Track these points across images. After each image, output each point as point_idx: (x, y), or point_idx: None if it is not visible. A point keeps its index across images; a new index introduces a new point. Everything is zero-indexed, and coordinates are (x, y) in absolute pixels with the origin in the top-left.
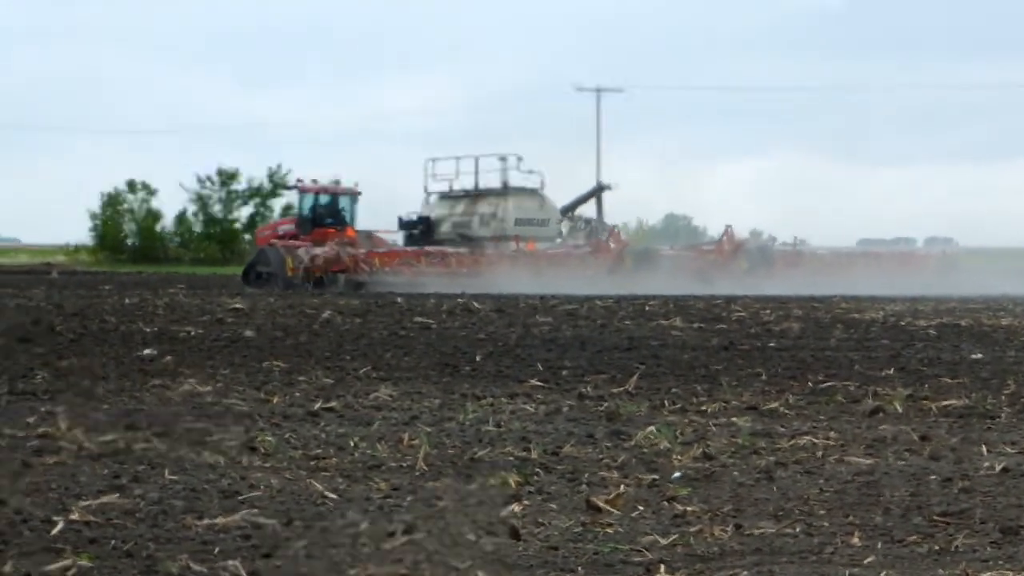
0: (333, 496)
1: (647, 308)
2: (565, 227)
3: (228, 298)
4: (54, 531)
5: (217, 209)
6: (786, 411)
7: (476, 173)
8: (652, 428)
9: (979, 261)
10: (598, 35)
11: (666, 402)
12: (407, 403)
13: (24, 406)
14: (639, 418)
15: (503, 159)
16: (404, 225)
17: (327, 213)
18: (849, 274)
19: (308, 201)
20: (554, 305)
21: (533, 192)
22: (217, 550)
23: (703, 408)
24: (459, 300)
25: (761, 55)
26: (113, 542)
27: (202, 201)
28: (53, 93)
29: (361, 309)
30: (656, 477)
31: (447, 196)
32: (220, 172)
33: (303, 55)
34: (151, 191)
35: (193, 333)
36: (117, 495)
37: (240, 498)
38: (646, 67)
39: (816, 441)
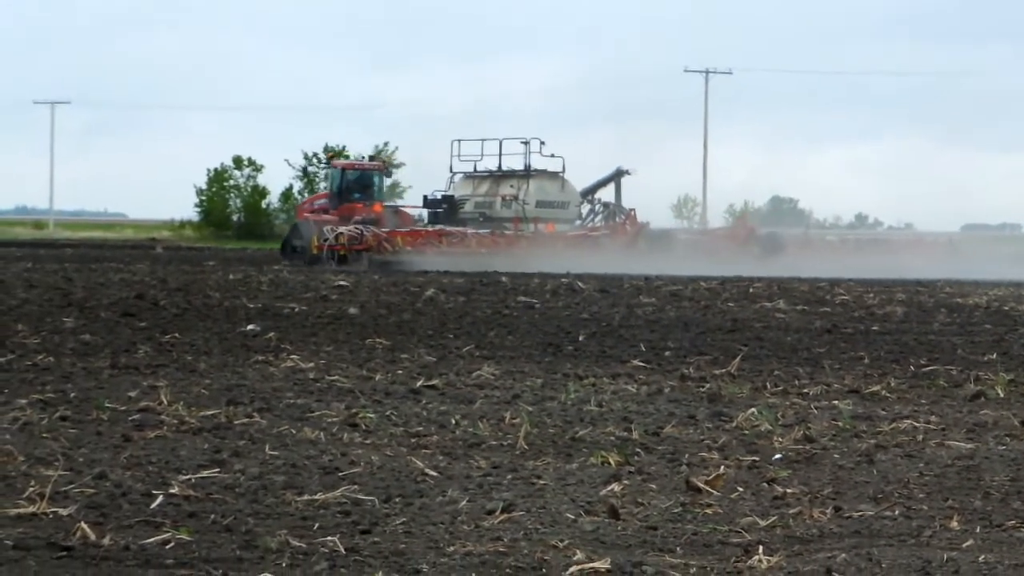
0: (433, 473)
1: (751, 290)
2: (585, 209)
3: (332, 275)
4: (154, 505)
5: (323, 186)
6: (888, 395)
7: (500, 155)
8: (753, 410)
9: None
10: (708, 17)
11: (768, 384)
12: (509, 382)
13: (127, 380)
14: (741, 400)
15: (526, 142)
16: (428, 204)
17: (356, 188)
18: (854, 259)
19: (338, 176)
20: (658, 286)
21: (554, 175)
22: (316, 526)
23: (805, 391)
24: (563, 280)
25: (873, 39)
26: (212, 516)
27: (308, 178)
28: (166, 72)
29: (465, 288)
30: (756, 459)
31: (471, 176)
32: (327, 149)
33: (420, 36)
34: (257, 167)
35: (297, 310)
36: (217, 470)
37: (340, 474)
38: (756, 49)
39: (917, 425)
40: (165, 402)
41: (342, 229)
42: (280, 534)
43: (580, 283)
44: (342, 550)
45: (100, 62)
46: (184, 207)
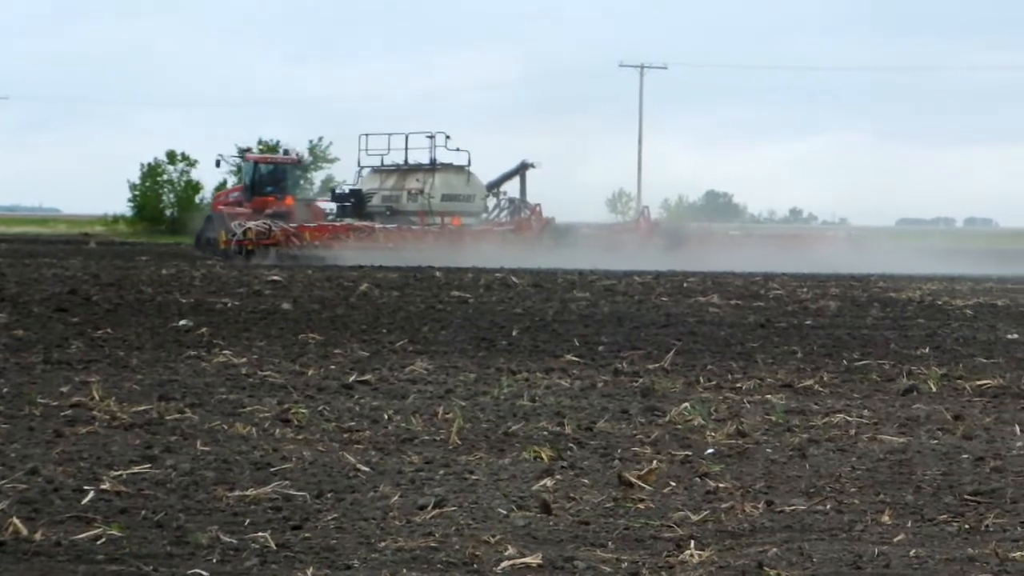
0: (365, 469)
1: (685, 285)
2: (491, 203)
3: (266, 270)
4: (85, 500)
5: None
6: (820, 389)
7: (406, 149)
8: (686, 404)
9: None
10: (643, 12)
11: (701, 379)
12: (442, 377)
13: (59, 375)
14: (674, 394)
15: (431, 136)
16: (336, 197)
17: (268, 182)
18: (752, 253)
19: (251, 170)
20: (592, 280)
21: (460, 169)
22: (247, 522)
23: (738, 385)
24: (497, 275)
25: (810, 34)
26: (144, 512)
27: (241, 173)
28: (98, 67)
29: (399, 282)
30: (689, 453)
31: (378, 170)
32: (260, 144)
33: (360, 30)
34: (191, 162)
35: (230, 305)
36: (149, 465)
37: (272, 470)
38: (691, 44)
39: (849, 419)
40: (97, 397)
41: (250, 224)
42: (211, 530)
43: (514, 278)
44: (273, 546)
45: (36, 57)
46: (118, 202)
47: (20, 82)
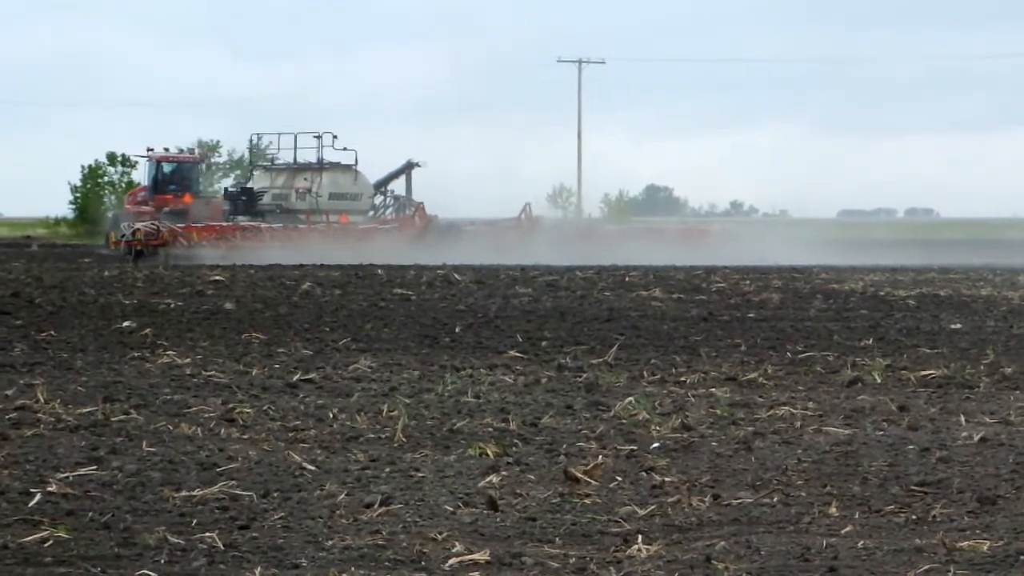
0: (311, 467)
1: (627, 279)
2: (379, 201)
3: (209, 270)
4: (31, 503)
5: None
6: (765, 382)
7: (295, 148)
8: (631, 399)
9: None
10: (580, 6)
11: (645, 373)
12: (386, 374)
13: (2, 378)
14: (618, 389)
15: (318, 136)
16: (228, 196)
17: (170, 180)
18: (632, 247)
19: (154, 168)
20: (534, 276)
21: (347, 168)
22: (195, 522)
23: (682, 379)
24: (439, 271)
25: (745, 27)
26: (91, 514)
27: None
28: (37, 67)
29: (341, 281)
30: (634, 448)
31: (269, 169)
32: (200, 144)
33: (291, 29)
34: (131, 164)
35: (173, 305)
36: (95, 467)
37: (218, 470)
38: (628, 39)
39: (794, 411)
40: (42, 400)
41: (138, 225)
42: (158, 531)
43: (456, 274)
44: (220, 546)
45: None
46: (59, 204)
47: None
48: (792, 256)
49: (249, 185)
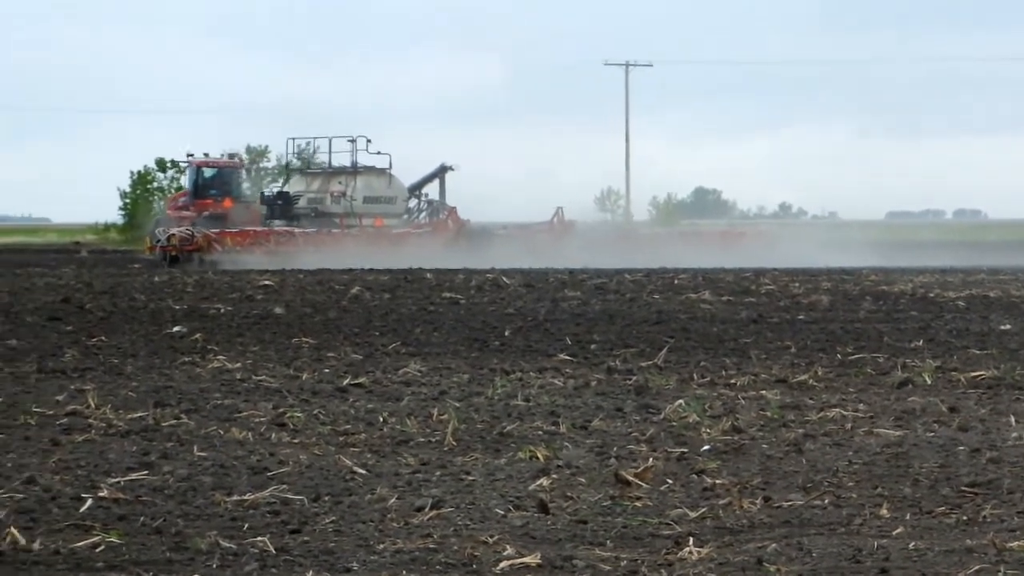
0: (362, 471)
1: (676, 282)
2: (413, 205)
3: (258, 275)
4: (83, 508)
5: (246, 187)
6: (815, 384)
7: (329, 152)
8: (681, 401)
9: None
10: (627, 10)
11: (695, 375)
12: (436, 378)
13: (54, 384)
14: (668, 391)
15: (352, 140)
16: (265, 200)
17: (211, 185)
18: (668, 249)
19: (194, 174)
20: (583, 279)
21: (382, 171)
22: (246, 526)
23: (732, 381)
24: (488, 275)
25: (796, 28)
26: (142, 519)
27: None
28: (86, 75)
29: (390, 284)
30: (685, 450)
31: (305, 173)
32: (249, 149)
33: (342, 34)
34: (181, 169)
35: (223, 310)
36: (146, 472)
37: (269, 474)
38: (676, 42)
39: (845, 413)
40: (93, 405)
41: (173, 230)
42: (210, 535)
43: (505, 278)
44: (272, 550)
45: (19, 66)
46: (108, 210)
47: (4, 91)
48: (828, 258)
49: (285, 189)
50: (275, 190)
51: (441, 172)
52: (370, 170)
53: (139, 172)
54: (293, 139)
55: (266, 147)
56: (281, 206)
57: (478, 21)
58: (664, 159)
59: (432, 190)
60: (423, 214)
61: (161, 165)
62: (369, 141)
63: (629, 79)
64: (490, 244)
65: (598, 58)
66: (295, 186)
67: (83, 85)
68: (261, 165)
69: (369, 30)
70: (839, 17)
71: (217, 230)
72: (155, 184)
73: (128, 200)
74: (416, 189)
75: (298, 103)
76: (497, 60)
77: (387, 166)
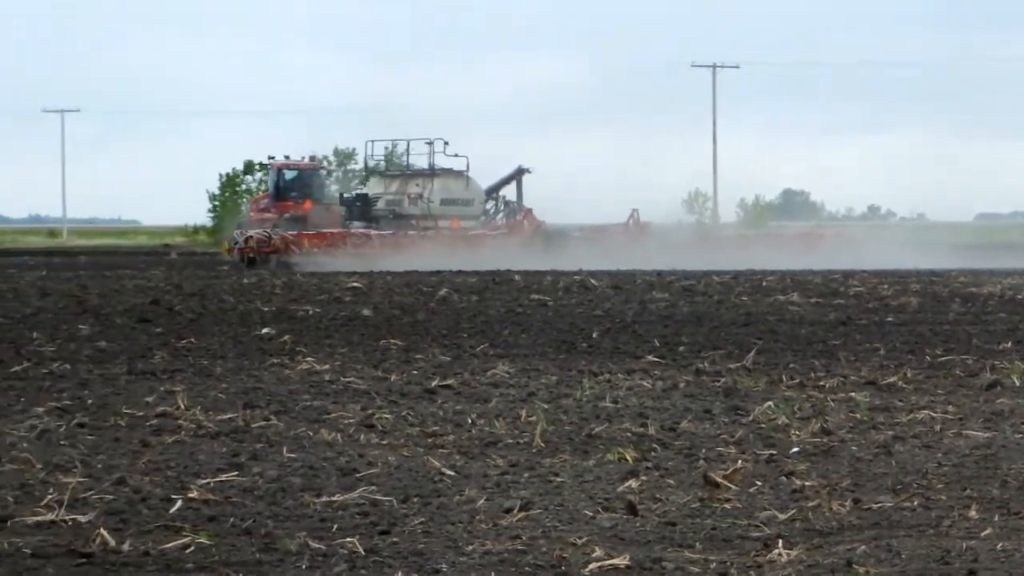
0: (450, 473)
1: (764, 284)
2: (490, 207)
3: (346, 277)
4: (173, 509)
5: (334, 189)
6: (904, 385)
7: (407, 154)
8: (770, 403)
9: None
10: (714, 11)
11: (784, 377)
12: (524, 380)
13: (143, 385)
14: (757, 393)
15: (430, 142)
16: (344, 202)
17: (292, 187)
18: (745, 251)
19: (275, 176)
20: (671, 281)
21: (459, 174)
22: (335, 527)
23: (821, 383)
24: (576, 277)
25: (880, 29)
26: (232, 520)
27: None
28: (174, 77)
29: (478, 287)
30: (774, 452)
31: (384, 175)
32: (336, 152)
33: (426, 35)
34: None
35: (311, 312)
36: (236, 473)
37: (358, 475)
38: (763, 43)
39: (934, 415)
40: (182, 407)
41: (251, 232)
42: (299, 536)
43: (593, 280)
44: (361, 551)
45: (108, 69)
46: (198, 212)
47: (94, 94)
48: (906, 259)
49: (364, 191)
50: (355, 192)
51: (518, 174)
52: (447, 172)
53: (227, 175)
54: (372, 141)
55: (353, 149)
56: (360, 208)
57: (565, 23)
58: (752, 161)
59: (511, 192)
60: (500, 216)
61: (249, 168)
62: (447, 143)
63: (716, 81)
64: (565, 246)
65: (685, 60)
66: (374, 188)
67: (175, 87)
68: (348, 167)
69: (459, 32)
70: (930, 16)
71: (294, 232)
72: (243, 186)
73: (217, 203)
74: (493, 191)
75: (387, 105)
76: (584, 61)
77: (464, 168)
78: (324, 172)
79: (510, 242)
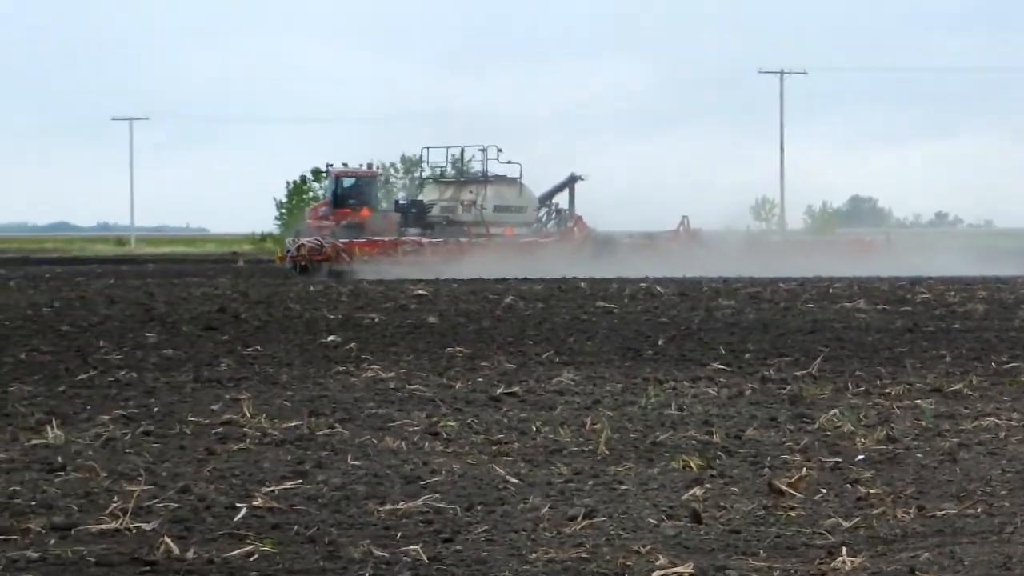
0: (515, 480)
1: (831, 291)
2: (543, 214)
3: (412, 285)
4: (237, 517)
5: (402, 196)
6: (970, 393)
7: (461, 161)
8: (835, 411)
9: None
10: (781, 17)
11: (850, 385)
12: (589, 387)
13: (209, 393)
14: (822, 401)
15: (483, 149)
16: (399, 209)
17: (350, 195)
18: (797, 259)
19: (333, 183)
20: (737, 288)
21: (512, 181)
22: (399, 535)
23: (887, 390)
24: (642, 284)
25: (948, 34)
26: (296, 528)
27: (387, 188)
28: (244, 85)
29: (544, 294)
30: (839, 460)
31: (439, 181)
32: (404, 160)
33: (493, 41)
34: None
35: (377, 320)
36: (300, 481)
37: (422, 483)
38: (830, 49)
39: (999, 422)
40: (248, 415)
41: (303, 240)
42: (363, 544)
43: (659, 287)
44: (425, 559)
45: (176, 77)
46: (266, 220)
47: (162, 102)
48: (952, 267)
49: (419, 198)
50: (410, 199)
51: (571, 181)
52: (501, 179)
53: (295, 182)
54: (427, 148)
55: (420, 157)
56: (415, 215)
57: (631, 29)
58: (819, 167)
59: (565, 200)
60: (551, 223)
61: (317, 175)
62: (500, 151)
63: (784, 86)
64: (614, 252)
65: (752, 66)
66: (429, 195)
67: (243, 95)
68: (415, 174)
69: (524, 38)
70: (998, 21)
71: (345, 240)
72: (311, 194)
73: (284, 210)
74: (547, 198)
75: (453, 111)
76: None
77: (518, 175)
78: (382, 179)
79: (560, 249)
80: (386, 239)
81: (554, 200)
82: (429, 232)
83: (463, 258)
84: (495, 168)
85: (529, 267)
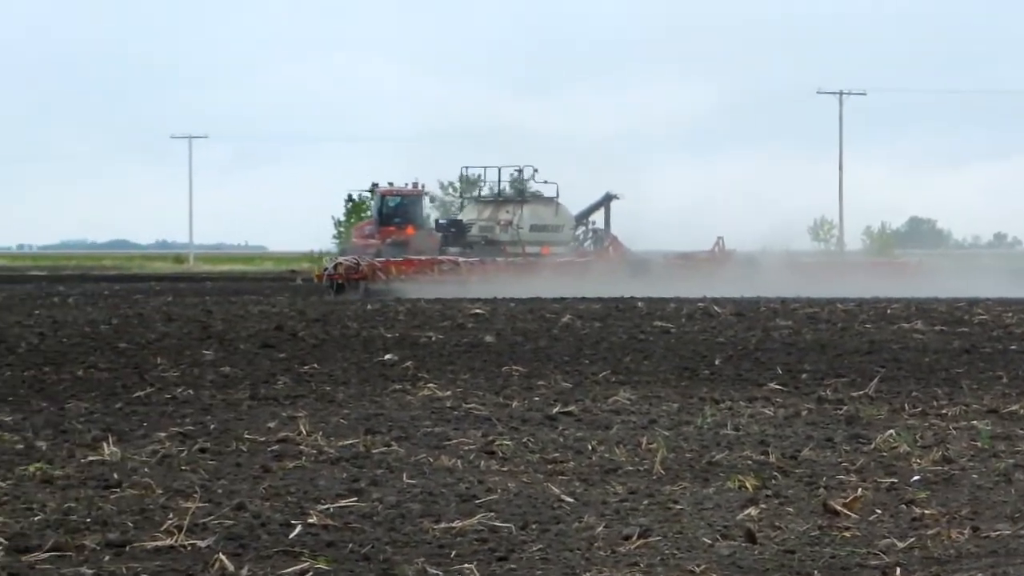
0: (570, 499)
1: (888, 311)
2: (579, 233)
3: (469, 303)
4: (292, 534)
5: (458, 216)
6: None
7: (499, 181)
8: (892, 431)
9: None
10: (840, 38)
11: (906, 405)
12: (645, 407)
13: (266, 411)
14: (879, 422)
15: (520, 169)
16: (439, 228)
17: (395, 213)
18: (834, 279)
19: (379, 202)
20: (795, 308)
21: (549, 200)
22: (454, 553)
23: (943, 411)
24: (699, 304)
25: (1005, 55)
26: (351, 545)
27: (445, 207)
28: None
29: (601, 313)
30: (894, 480)
31: (478, 201)
32: (461, 178)
33: (551, 63)
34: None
35: (434, 338)
36: (355, 499)
37: (477, 502)
38: (888, 69)
39: None
40: (304, 432)
41: (341, 259)
42: (418, 562)
43: (716, 307)
44: None
45: (237, 95)
46: (323, 238)
47: (222, 121)
48: (982, 289)
49: (459, 217)
50: (450, 218)
51: (607, 200)
52: (537, 198)
53: (353, 200)
54: (466, 167)
55: (479, 176)
56: (455, 234)
57: (690, 50)
58: (878, 188)
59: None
60: (588, 242)
61: (374, 192)
62: (536, 170)
63: (843, 108)
64: (649, 272)
65: (810, 86)
66: (468, 214)
67: (302, 113)
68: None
69: (579, 59)
70: None
71: (382, 259)
72: (368, 213)
73: (342, 228)
74: (583, 217)
75: (509, 130)
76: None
77: (554, 195)
78: (428, 198)
79: (595, 268)
80: (423, 258)
81: (591, 219)
82: (468, 251)
83: (499, 278)
84: (533, 187)
85: (559, 286)
